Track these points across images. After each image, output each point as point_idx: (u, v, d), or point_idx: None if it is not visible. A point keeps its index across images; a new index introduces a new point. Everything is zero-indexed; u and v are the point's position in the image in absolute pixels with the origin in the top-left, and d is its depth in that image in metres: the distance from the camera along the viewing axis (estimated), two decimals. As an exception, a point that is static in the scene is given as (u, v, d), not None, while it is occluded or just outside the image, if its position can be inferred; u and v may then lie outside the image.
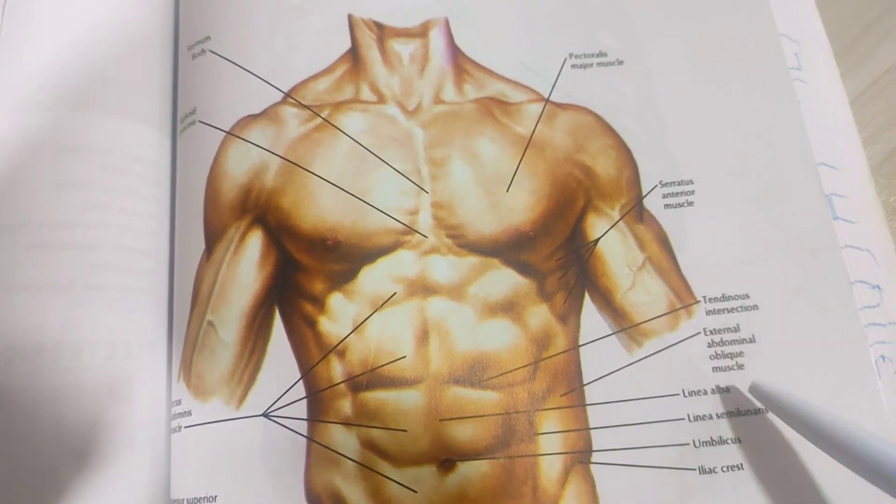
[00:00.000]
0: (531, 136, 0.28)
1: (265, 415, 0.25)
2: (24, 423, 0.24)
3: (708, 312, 0.26)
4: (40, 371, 0.24)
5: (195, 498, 0.25)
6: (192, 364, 0.26)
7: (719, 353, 0.26)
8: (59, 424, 0.24)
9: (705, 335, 0.26)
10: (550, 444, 0.25)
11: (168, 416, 0.27)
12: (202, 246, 0.27)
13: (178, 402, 0.26)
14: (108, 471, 0.24)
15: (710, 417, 0.25)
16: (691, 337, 0.26)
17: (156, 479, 0.26)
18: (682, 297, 0.26)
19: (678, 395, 0.25)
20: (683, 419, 0.25)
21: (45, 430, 0.24)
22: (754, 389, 0.25)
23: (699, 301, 0.26)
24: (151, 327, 0.27)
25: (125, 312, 0.26)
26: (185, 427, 0.25)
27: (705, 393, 0.25)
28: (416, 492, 0.24)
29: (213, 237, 0.27)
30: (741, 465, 0.24)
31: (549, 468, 0.24)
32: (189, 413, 0.26)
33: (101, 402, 0.24)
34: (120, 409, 0.25)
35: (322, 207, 0.27)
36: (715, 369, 0.25)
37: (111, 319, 0.25)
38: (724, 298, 0.26)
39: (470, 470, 0.24)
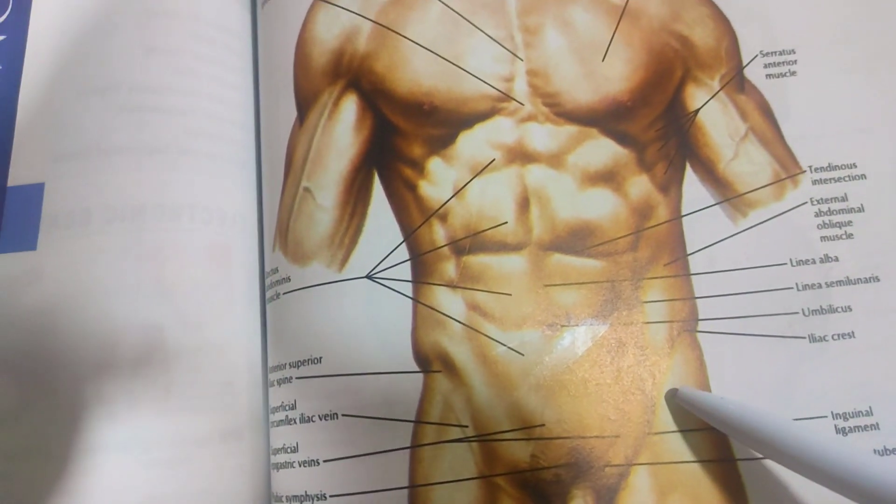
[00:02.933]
0: (625, 5, 0.27)
1: (369, 276, 0.24)
2: (126, 280, 0.23)
3: (814, 182, 0.25)
4: (141, 230, 0.23)
5: (297, 360, 0.24)
6: (288, 231, 0.26)
7: (827, 222, 0.25)
8: (161, 283, 0.23)
9: (812, 205, 0.25)
10: (655, 313, 0.24)
11: (262, 288, 0.26)
12: (293, 113, 0.26)
13: (275, 271, 0.26)
14: (209, 334, 0.24)
15: (819, 286, 0.24)
16: (798, 206, 0.25)
17: (252, 349, 0.25)
18: (787, 166, 0.25)
19: (786, 264, 0.24)
20: (792, 288, 0.24)
21: (147, 288, 0.23)
22: (682, 398, 0.23)
23: (804, 171, 0.25)
24: (242, 199, 0.26)
25: (219, 180, 0.25)
26: (284, 293, 0.25)
27: (813, 262, 0.24)
28: (523, 355, 0.23)
29: (305, 103, 0.26)
30: (852, 332, 0.24)
31: (655, 336, 0.24)
32: (288, 279, 0.25)
33: (201, 265, 0.24)
34: (219, 273, 0.24)
35: (417, 72, 0.26)
36: (823, 238, 0.25)
37: (207, 185, 0.25)
38: (831, 168, 0.25)
39: (575, 336, 0.24)
